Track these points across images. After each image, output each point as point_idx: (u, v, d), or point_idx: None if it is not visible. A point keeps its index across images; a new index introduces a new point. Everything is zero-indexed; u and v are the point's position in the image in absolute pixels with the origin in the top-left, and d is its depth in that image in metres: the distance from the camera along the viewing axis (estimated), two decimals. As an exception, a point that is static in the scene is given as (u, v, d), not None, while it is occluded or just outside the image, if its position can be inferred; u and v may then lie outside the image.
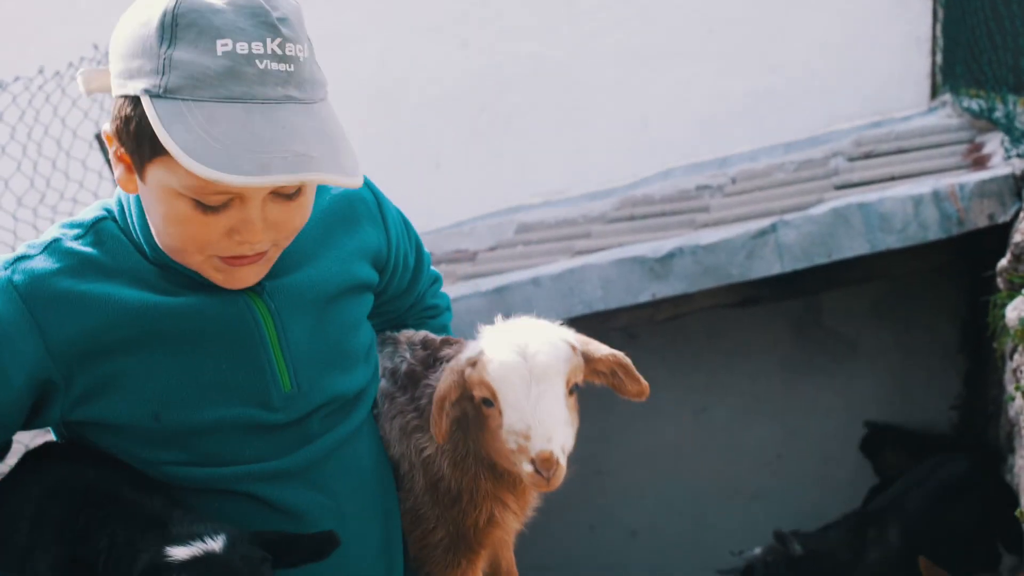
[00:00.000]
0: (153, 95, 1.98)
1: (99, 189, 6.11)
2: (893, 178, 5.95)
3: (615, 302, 5.73)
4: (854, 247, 5.42)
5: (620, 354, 2.60)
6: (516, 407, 2.47)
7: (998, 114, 5.91)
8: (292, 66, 2.02)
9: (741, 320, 7.07)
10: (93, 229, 2.25)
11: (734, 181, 7.06)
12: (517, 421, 2.46)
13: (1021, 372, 4.04)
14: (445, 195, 7.53)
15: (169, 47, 1.97)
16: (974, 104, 6.53)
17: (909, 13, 7.32)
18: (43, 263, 2.19)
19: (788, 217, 5.53)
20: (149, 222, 2.17)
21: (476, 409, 2.54)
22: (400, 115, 7.50)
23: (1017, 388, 4.16)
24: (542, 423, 2.46)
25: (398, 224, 2.59)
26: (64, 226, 2.27)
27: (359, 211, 2.47)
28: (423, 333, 2.74)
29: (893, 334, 7.27)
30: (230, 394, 2.26)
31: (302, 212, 2.18)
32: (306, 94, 2.04)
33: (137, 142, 2.05)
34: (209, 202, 2.06)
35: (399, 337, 2.72)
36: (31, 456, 2.36)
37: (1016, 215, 5.13)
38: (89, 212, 2.29)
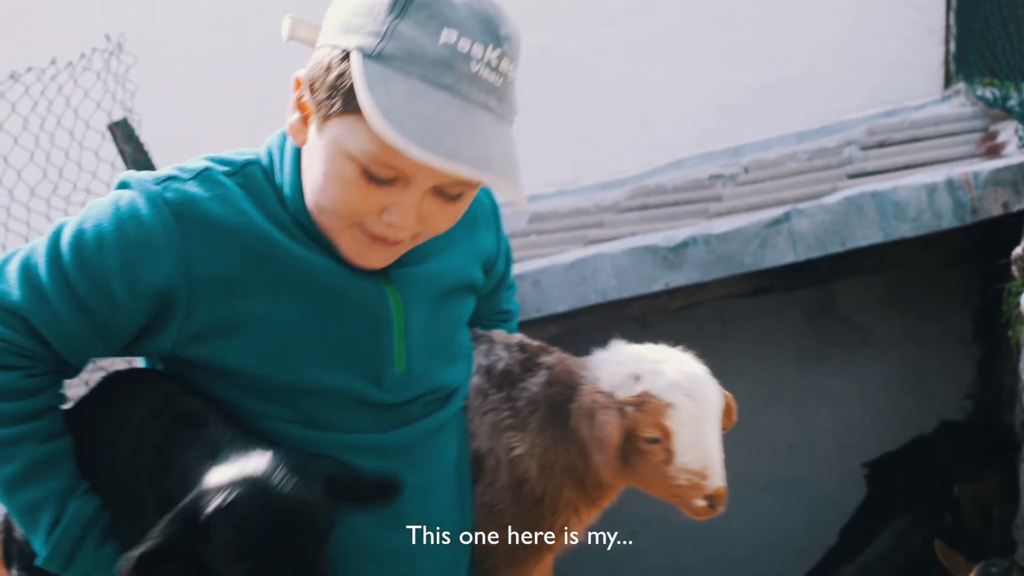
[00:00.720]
0: (366, 54, 2.00)
1: (112, 179, 5.88)
2: (907, 167, 5.93)
3: (628, 291, 5.72)
4: (868, 236, 5.39)
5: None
6: (691, 448, 2.63)
7: (1012, 102, 5.90)
8: (500, 81, 2.06)
9: (754, 309, 7.04)
10: (243, 170, 2.24)
11: (747, 170, 7.05)
12: (692, 460, 2.63)
13: (1036, 361, 4.04)
14: (457, 185, 7.50)
15: (397, 17, 2.00)
16: (988, 93, 6.51)
17: (922, 1, 7.31)
18: (195, 188, 2.18)
19: (802, 206, 5.50)
20: (306, 176, 2.19)
21: (630, 443, 2.67)
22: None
23: (1032, 376, 4.15)
24: (714, 461, 2.65)
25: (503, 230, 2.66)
26: (212, 160, 2.25)
27: (479, 213, 2.51)
28: (518, 336, 2.82)
29: (906, 323, 7.25)
30: (346, 364, 2.26)
31: (452, 217, 2.21)
32: (502, 111, 2.07)
33: (330, 94, 2.06)
34: (377, 174, 2.07)
35: (494, 336, 2.77)
36: (119, 378, 2.34)
37: (1030, 203, 5.12)
38: (237, 154, 2.28)
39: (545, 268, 5.80)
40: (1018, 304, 4.40)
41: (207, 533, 1.91)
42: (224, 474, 1.97)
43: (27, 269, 2.14)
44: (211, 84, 7.79)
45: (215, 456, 2.03)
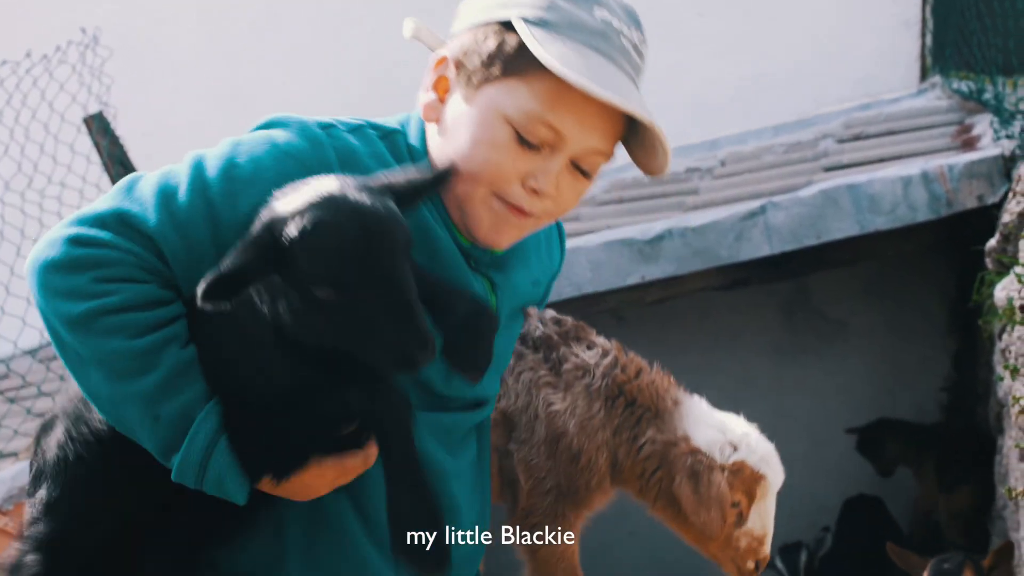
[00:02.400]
0: (529, 20, 2.14)
1: (87, 172, 6.07)
2: (882, 160, 5.95)
3: (604, 284, 5.73)
4: (843, 228, 5.42)
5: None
6: (762, 517, 3.01)
7: (987, 96, 5.91)
8: (640, 63, 2.23)
9: (731, 302, 7.06)
10: (391, 137, 2.32)
11: (723, 163, 7.05)
12: (759, 528, 3.01)
13: (1010, 352, 4.05)
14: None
15: None
16: (963, 86, 6.53)
17: (897, -6, 7.33)
18: (355, 140, 2.23)
19: (777, 199, 5.52)
20: (447, 146, 2.24)
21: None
22: (390, 106, 7.45)
23: (1006, 367, 4.16)
24: (771, 533, 3.04)
25: None
26: (364, 120, 2.32)
27: (553, 235, 2.61)
28: (549, 311, 3.05)
29: (883, 315, 7.27)
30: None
31: (579, 195, 2.29)
32: (639, 84, 2.22)
33: (488, 63, 2.18)
34: (530, 137, 2.17)
35: (527, 311, 2.86)
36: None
37: (1005, 196, 5.12)
38: (383, 120, 2.36)
39: (521, 261, 5.74)
40: (991, 295, 4.41)
41: (287, 258, 1.91)
42: (297, 199, 1.95)
43: (165, 194, 2.12)
44: (188, 77, 7.76)
45: None
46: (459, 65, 2.23)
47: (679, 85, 7.35)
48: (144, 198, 2.12)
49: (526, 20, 2.14)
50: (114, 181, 5.66)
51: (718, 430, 3.09)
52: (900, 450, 6.69)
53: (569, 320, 3.09)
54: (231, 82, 7.64)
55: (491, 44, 2.18)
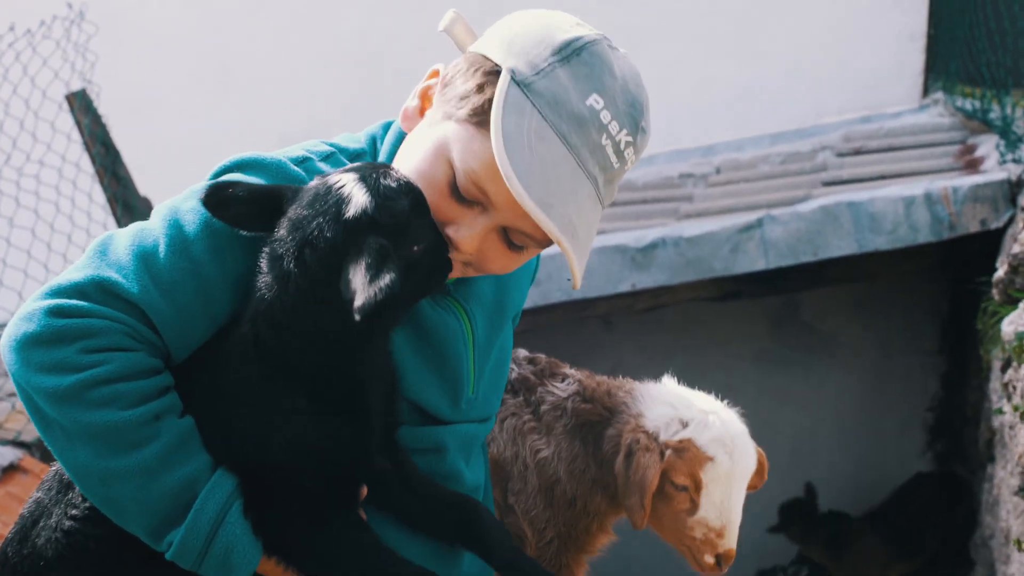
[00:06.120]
0: (516, 79, 2.03)
1: (67, 151, 5.94)
2: (883, 176, 5.89)
3: (594, 291, 5.66)
4: (842, 247, 5.36)
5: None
6: (716, 505, 2.73)
7: (993, 115, 5.82)
8: (617, 164, 2.10)
9: (719, 312, 7.01)
10: (355, 158, 2.26)
11: (719, 171, 6.99)
12: (715, 518, 2.73)
13: (1014, 388, 3.96)
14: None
15: (561, 62, 2.05)
16: (967, 104, 6.45)
17: (904, 5, 7.24)
18: (330, 170, 2.14)
19: (775, 212, 5.46)
20: (401, 159, 2.17)
21: (658, 484, 2.76)
22: (382, 83, 7.32)
23: (1010, 400, 4.08)
24: (734, 524, 2.76)
25: None
26: (331, 144, 2.27)
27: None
28: (521, 350, 2.92)
29: (873, 332, 7.21)
30: (432, 384, 2.29)
31: (505, 266, 2.21)
32: (603, 193, 2.11)
33: (463, 97, 2.09)
34: (464, 190, 2.08)
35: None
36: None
37: (1010, 221, 5.06)
38: (348, 140, 2.30)
39: (510, 263, 5.68)
40: (996, 325, 4.33)
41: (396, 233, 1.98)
42: (369, 187, 2.01)
43: (144, 256, 2.01)
44: (174, 56, 7.62)
45: None
46: (444, 86, 2.15)
47: (675, 85, 7.27)
48: (121, 262, 2.01)
49: (514, 76, 2.04)
50: (95, 161, 5.58)
51: (672, 406, 2.84)
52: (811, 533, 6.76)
53: (543, 357, 2.98)
54: (218, 60, 7.50)
55: (473, 83, 2.09)
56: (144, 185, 5.86)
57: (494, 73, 2.06)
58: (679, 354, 7.13)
